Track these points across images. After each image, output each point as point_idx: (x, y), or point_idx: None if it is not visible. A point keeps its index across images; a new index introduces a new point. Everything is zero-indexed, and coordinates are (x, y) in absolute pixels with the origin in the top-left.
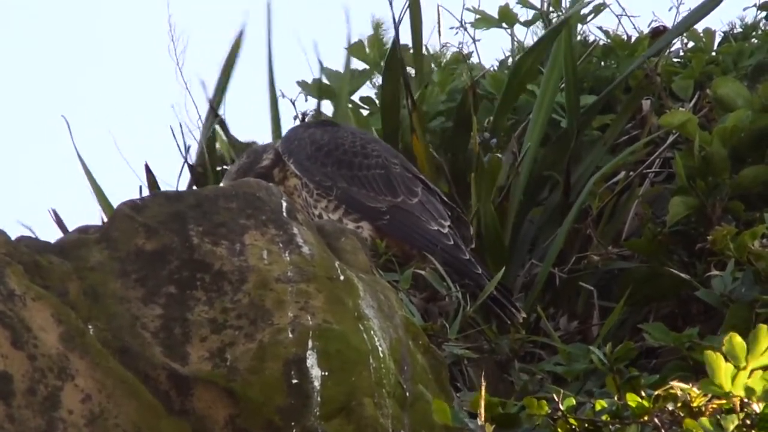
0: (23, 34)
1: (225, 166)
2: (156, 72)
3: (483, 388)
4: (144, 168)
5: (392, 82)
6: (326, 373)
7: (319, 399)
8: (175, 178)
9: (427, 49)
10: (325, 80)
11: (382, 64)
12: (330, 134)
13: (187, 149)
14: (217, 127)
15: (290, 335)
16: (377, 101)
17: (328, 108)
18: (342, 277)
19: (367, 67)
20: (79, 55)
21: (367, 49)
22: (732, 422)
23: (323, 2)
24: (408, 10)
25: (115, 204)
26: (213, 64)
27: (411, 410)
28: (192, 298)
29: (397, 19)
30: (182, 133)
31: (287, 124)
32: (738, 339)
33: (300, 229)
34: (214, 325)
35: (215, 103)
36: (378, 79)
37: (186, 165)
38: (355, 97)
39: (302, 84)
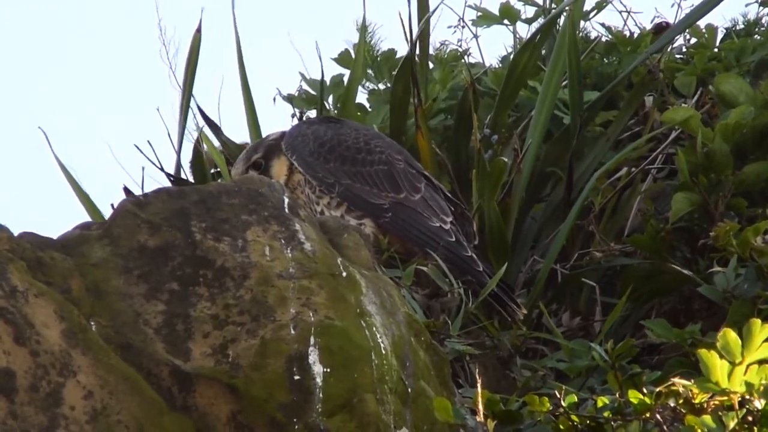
0: (15, 38)
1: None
2: (152, 76)
3: (479, 385)
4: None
5: (403, 82)
6: (328, 370)
7: (321, 395)
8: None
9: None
10: (310, 90)
11: (370, 71)
12: (333, 130)
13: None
14: (207, 131)
15: (292, 332)
16: (368, 105)
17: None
18: (344, 274)
19: (350, 72)
20: (72, 59)
21: (353, 55)
22: (732, 419)
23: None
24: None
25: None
26: (207, 67)
27: (413, 406)
28: (194, 294)
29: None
30: (170, 136)
31: (283, 124)
32: (732, 334)
33: (302, 225)
34: (217, 321)
35: (183, 106)
36: (368, 83)
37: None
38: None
39: (287, 98)
